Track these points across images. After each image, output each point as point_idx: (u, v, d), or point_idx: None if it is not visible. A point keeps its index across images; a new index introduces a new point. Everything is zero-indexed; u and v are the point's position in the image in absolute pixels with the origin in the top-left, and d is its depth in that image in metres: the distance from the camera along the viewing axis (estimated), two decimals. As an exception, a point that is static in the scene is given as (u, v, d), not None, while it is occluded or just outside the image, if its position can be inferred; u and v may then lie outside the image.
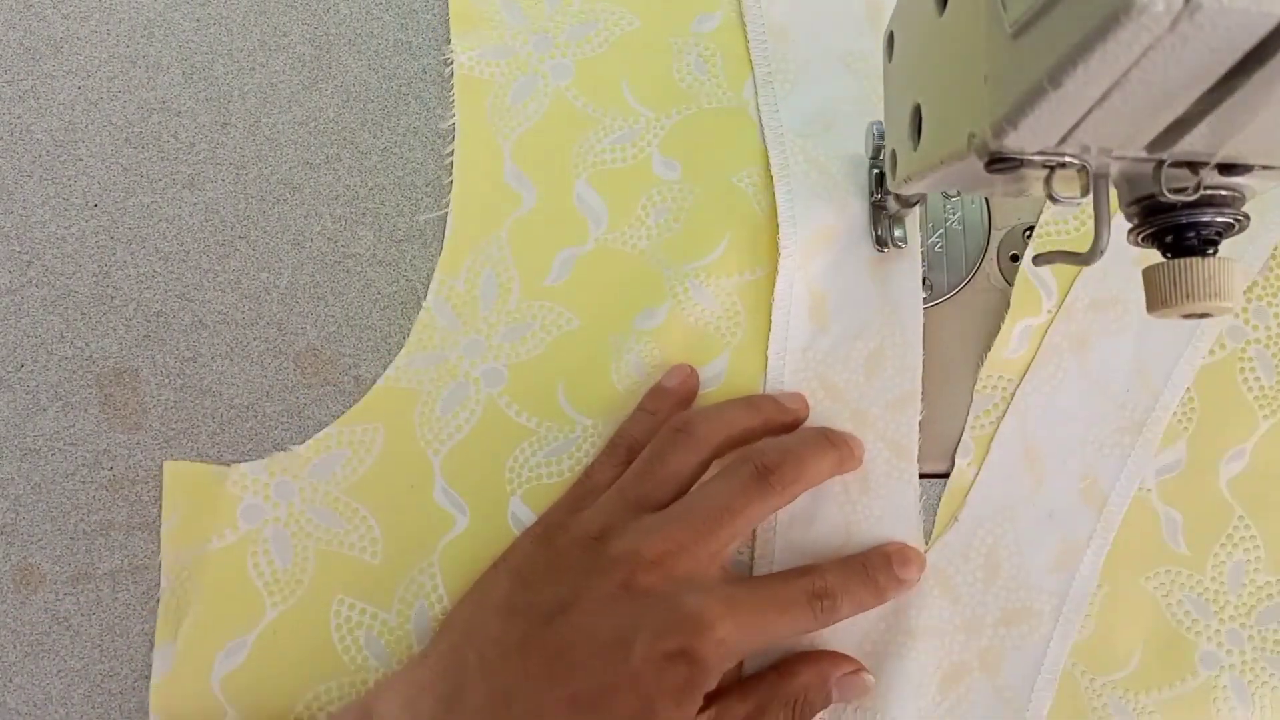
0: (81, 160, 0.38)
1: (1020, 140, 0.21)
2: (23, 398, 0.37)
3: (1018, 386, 0.37)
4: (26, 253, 0.38)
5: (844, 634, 0.34)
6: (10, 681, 0.35)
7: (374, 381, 0.37)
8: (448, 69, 0.39)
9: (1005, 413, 0.36)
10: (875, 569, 0.33)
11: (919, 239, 0.37)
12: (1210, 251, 0.23)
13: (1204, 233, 0.23)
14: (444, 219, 0.38)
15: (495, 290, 0.37)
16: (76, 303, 0.37)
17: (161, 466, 0.36)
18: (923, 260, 0.37)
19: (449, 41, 0.39)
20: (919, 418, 0.36)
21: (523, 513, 0.35)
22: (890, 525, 0.35)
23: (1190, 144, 0.21)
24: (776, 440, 0.33)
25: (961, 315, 0.38)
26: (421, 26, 0.40)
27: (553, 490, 0.36)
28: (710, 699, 0.30)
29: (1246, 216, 0.23)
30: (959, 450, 0.36)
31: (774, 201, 0.37)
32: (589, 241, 0.38)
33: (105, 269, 0.38)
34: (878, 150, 0.36)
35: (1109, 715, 0.35)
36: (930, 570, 0.35)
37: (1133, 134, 0.21)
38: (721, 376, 0.36)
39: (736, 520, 0.31)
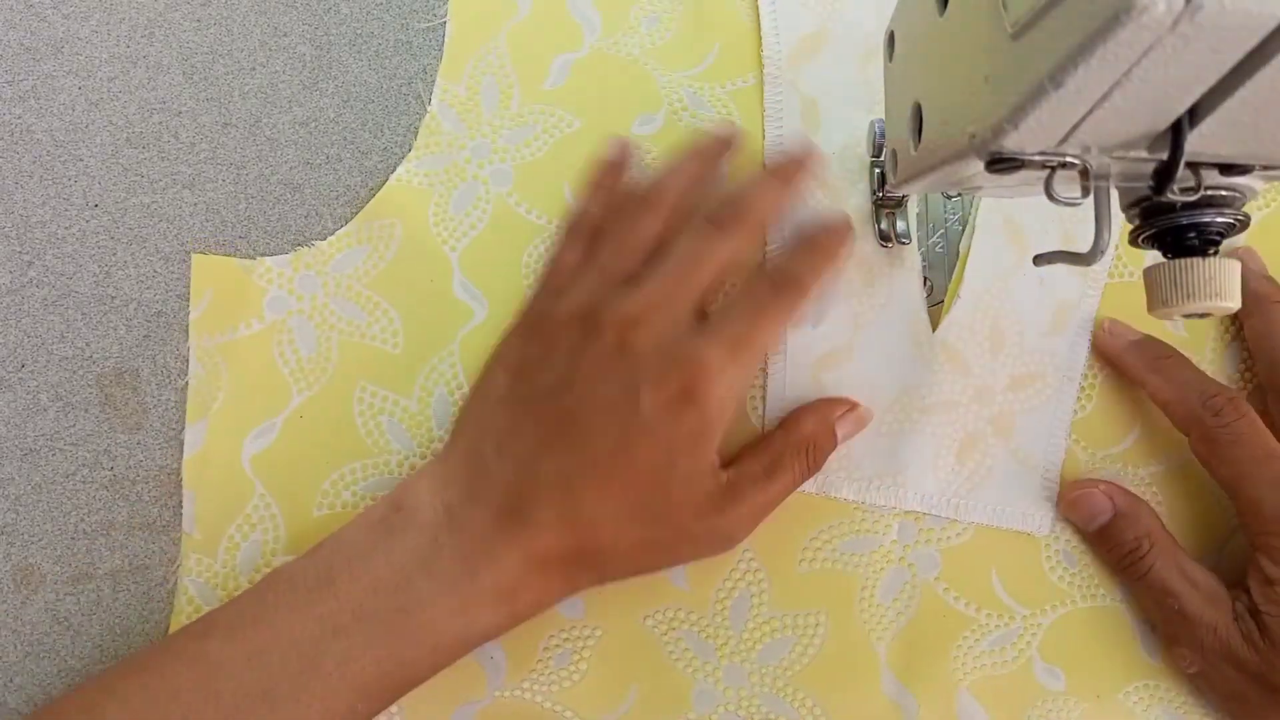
0: (81, 160, 0.38)
1: (1021, 140, 0.21)
2: (23, 398, 0.37)
3: None
4: (26, 253, 0.38)
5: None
6: (10, 681, 0.35)
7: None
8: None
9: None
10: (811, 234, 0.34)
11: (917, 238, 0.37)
12: (1211, 251, 0.23)
13: (1204, 233, 0.23)
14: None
15: (496, 94, 0.39)
16: (76, 303, 0.37)
17: (161, 467, 0.36)
18: (922, 260, 0.37)
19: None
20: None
21: None
22: (896, 312, 0.36)
23: (1191, 144, 0.21)
24: (721, 192, 0.35)
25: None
26: (421, 27, 0.40)
27: None
28: (726, 463, 0.32)
29: (1247, 216, 0.23)
30: (963, 239, 0.37)
31: None
32: (583, 48, 0.39)
33: (105, 269, 0.38)
34: (879, 149, 0.36)
35: None
36: (941, 347, 0.36)
37: (1134, 134, 0.21)
38: (722, 179, 0.38)
39: (705, 265, 0.32)
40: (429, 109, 0.39)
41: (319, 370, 0.37)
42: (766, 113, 0.38)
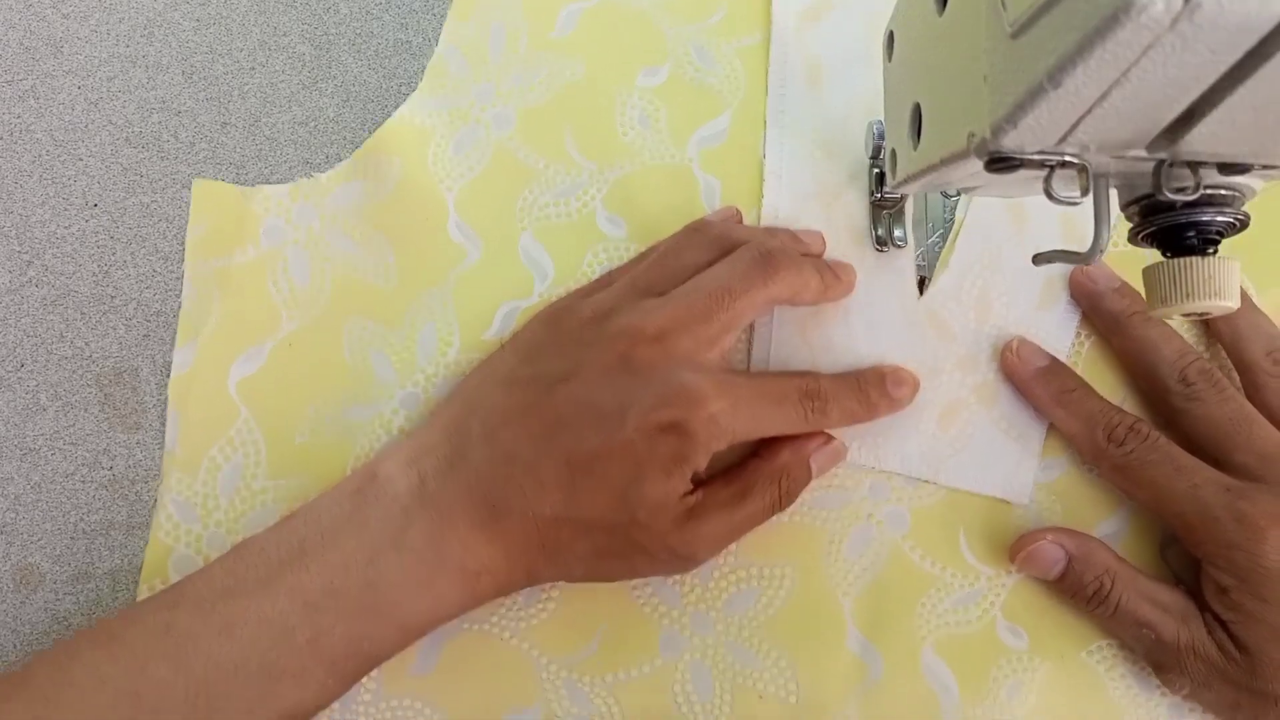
0: (81, 160, 0.38)
1: (1020, 140, 0.21)
2: (23, 398, 0.37)
3: None
4: (26, 253, 0.38)
5: None
6: (10, 681, 0.35)
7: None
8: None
9: None
10: (869, 384, 0.34)
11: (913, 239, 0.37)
12: (1210, 251, 0.24)
13: (1204, 232, 0.23)
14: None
15: (504, 39, 0.39)
16: (76, 303, 0.37)
17: (162, 467, 0.36)
18: (922, 260, 0.37)
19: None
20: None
21: (533, 248, 0.38)
22: (884, 290, 0.36)
23: (1190, 144, 0.21)
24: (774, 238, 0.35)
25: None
26: (421, 26, 0.40)
27: (561, 229, 0.38)
28: (696, 485, 0.31)
29: (1247, 216, 0.23)
30: (959, 204, 0.37)
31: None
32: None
33: (105, 269, 0.38)
34: (878, 150, 0.36)
35: None
36: (925, 314, 0.36)
37: (1133, 134, 0.21)
38: (725, 134, 0.38)
39: (737, 302, 0.32)
40: (436, 50, 0.39)
41: (311, 301, 0.37)
42: (770, 72, 0.39)
